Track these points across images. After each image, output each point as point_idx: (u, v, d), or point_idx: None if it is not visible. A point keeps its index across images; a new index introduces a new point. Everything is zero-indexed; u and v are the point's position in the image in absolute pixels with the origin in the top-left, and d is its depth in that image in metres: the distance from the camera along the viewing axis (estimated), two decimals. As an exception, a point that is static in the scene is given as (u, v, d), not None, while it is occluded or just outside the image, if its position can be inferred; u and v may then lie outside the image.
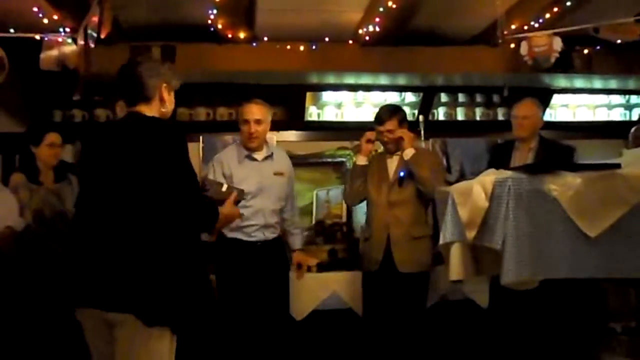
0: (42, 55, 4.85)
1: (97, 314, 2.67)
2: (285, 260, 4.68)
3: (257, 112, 4.50)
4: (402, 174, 4.61)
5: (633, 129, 4.99)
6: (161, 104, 2.93)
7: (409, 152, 4.57)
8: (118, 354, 2.67)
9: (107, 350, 2.73)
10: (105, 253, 2.64)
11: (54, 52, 4.82)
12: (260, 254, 4.44)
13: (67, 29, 4.91)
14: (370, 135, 4.76)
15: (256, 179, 4.45)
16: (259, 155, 4.55)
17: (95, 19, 4.57)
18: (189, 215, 2.75)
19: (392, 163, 4.73)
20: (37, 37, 4.85)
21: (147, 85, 2.88)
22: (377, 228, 4.61)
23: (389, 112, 4.75)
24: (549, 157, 4.60)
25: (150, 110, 2.88)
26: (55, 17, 4.84)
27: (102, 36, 4.82)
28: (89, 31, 4.58)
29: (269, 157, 4.58)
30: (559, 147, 4.80)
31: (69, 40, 4.83)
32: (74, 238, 2.81)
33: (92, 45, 4.60)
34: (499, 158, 4.71)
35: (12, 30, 4.87)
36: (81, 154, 2.93)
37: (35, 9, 4.76)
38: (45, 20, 4.86)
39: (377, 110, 6.75)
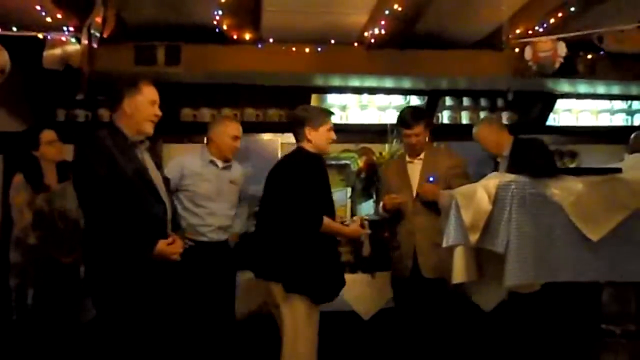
0: (45, 54, 4.86)
1: (263, 283, 4.02)
2: (234, 262, 4.88)
3: (240, 130, 4.87)
4: (431, 179, 4.46)
5: (634, 135, 5.02)
6: (310, 143, 4.06)
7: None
8: (280, 315, 3.95)
9: (276, 312, 4.01)
10: (269, 242, 3.98)
11: (57, 51, 4.84)
12: (211, 254, 4.69)
13: (71, 28, 4.91)
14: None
15: (216, 183, 4.76)
16: (220, 163, 4.81)
17: (99, 18, 4.57)
18: (318, 219, 3.94)
19: (413, 169, 4.64)
20: (40, 35, 4.86)
21: (298, 131, 4.09)
22: (404, 236, 4.57)
23: (416, 116, 4.64)
24: (521, 156, 4.79)
25: (306, 145, 4.08)
26: (59, 15, 4.83)
27: (105, 35, 4.82)
28: (93, 30, 4.58)
29: (228, 167, 4.86)
30: (530, 145, 4.99)
31: (73, 39, 4.84)
32: (256, 233, 4.20)
33: (95, 45, 4.61)
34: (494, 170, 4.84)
35: (14, 29, 4.86)
36: (267, 176, 4.17)
37: (38, 7, 4.74)
38: (49, 19, 4.85)
39: (381, 113, 6.87)
